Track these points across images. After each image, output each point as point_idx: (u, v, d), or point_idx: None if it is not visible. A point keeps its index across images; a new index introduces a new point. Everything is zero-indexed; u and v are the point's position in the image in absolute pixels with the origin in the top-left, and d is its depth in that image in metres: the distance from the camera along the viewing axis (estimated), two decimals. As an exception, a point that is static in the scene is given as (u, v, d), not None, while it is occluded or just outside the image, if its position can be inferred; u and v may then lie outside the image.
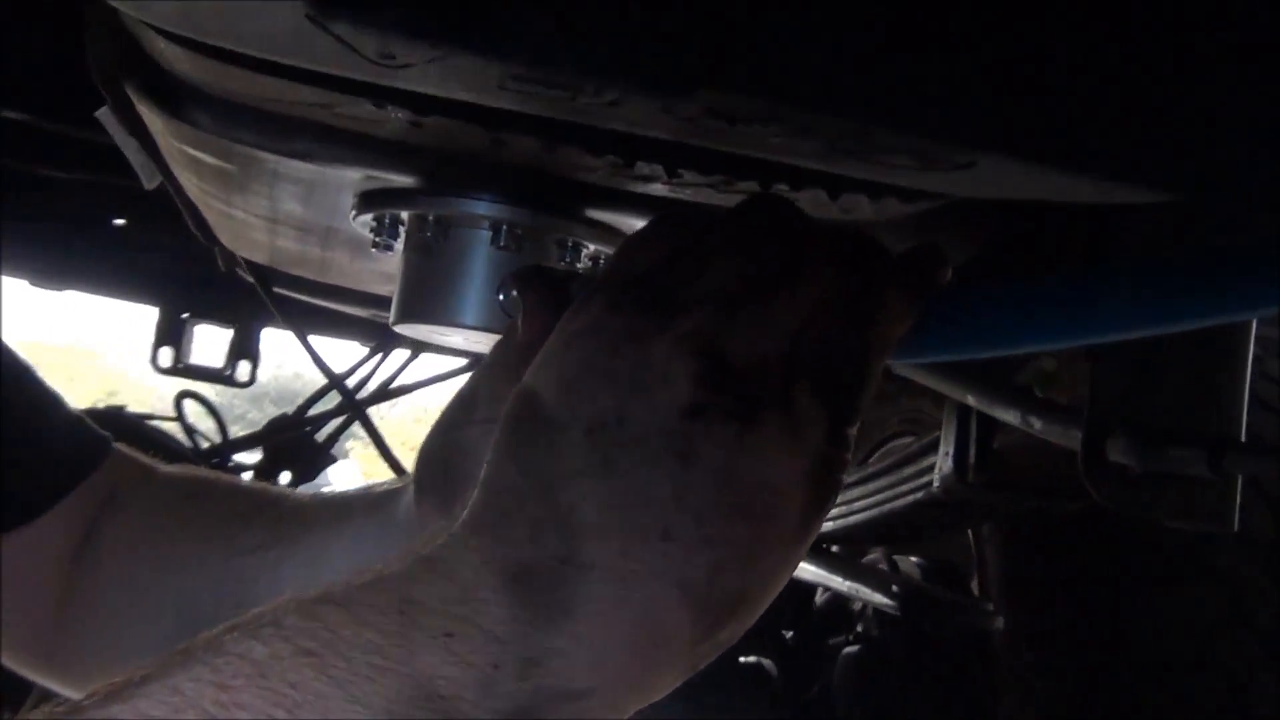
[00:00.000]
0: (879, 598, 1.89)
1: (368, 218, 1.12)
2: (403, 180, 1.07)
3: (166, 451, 2.56)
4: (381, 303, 1.87)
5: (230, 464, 2.61)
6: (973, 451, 1.63)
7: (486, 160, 1.00)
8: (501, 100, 0.81)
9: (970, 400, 1.26)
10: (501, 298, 1.09)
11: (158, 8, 0.74)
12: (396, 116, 0.89)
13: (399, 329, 1.14)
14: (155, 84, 0.98)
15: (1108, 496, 1.04)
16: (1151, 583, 1.99)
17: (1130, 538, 1.98)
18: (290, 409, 2.69)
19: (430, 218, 1.08)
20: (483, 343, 1.16)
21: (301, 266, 1.60)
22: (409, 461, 1.12)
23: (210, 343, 3.05)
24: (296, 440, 2.56)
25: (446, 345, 1.16)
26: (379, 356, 2.62)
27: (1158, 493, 1.05)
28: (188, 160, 1.14)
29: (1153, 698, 1.94)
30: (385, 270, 1.47)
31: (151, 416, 2.75)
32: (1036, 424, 1.14)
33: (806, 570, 2.13)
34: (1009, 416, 1.20)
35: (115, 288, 2.96)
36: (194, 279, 2.82)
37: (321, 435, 2.65)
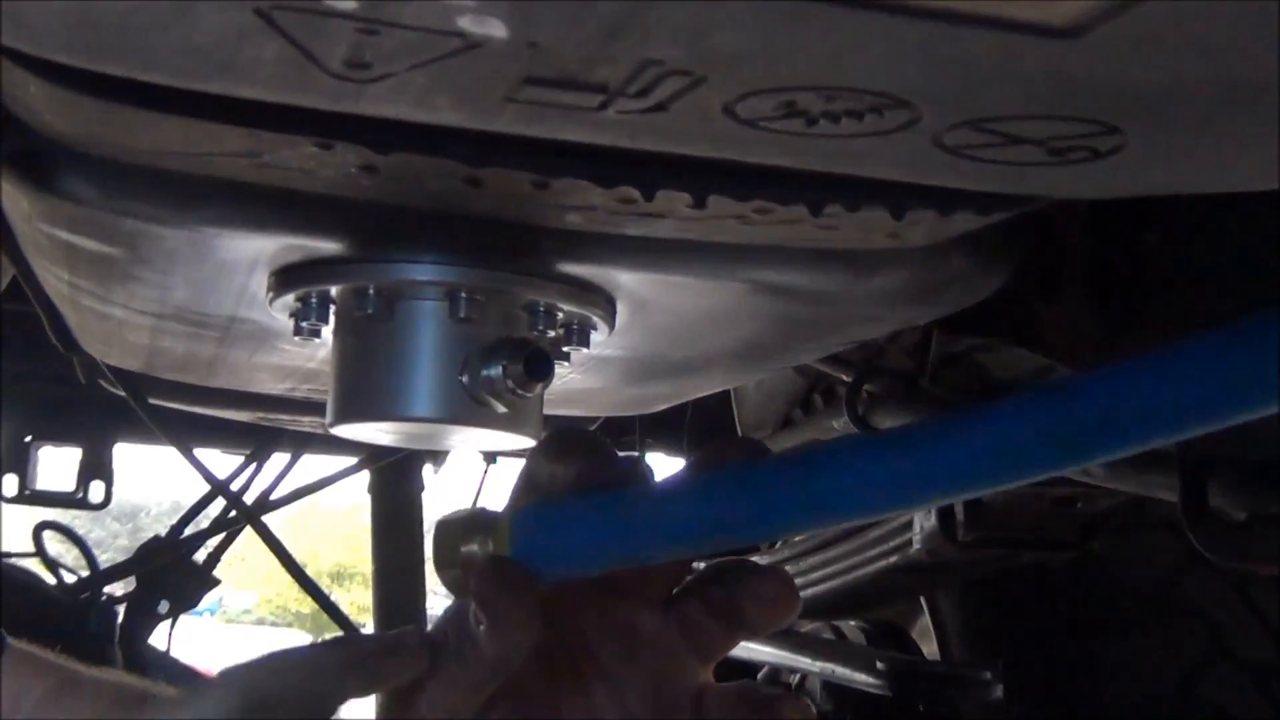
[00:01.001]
0: (861, 676, 1.71)
1: (289, 299, 0.92)
2: (333, 247, 0.87)
3: (33, 593, 2.33)
4: (269, 403, 1.66)
5: (103, 597, 2.34)
6: (960, 507, 1.47)
7: (446, 211, 0.81)
8: (501, 119, 0.62)
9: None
10: (465, 379, 0.90)
11: (36, 14, 0.54)
12: (346, 159, 0.70)
13: (338, 431, 0.94)
14: (23, 150, 0.77)
15: (1213, 549, 0.88)
16: (1128, 625, 1.87)
17: (1097, 581, 1.86)
18: (131, 525, 2.46)
19: (370, 290, 0.88)
20: (444, 438, 0.96)
21: (184, 371, 1.38)
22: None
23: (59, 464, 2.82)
24: (173, 565, 2.31)
25: (400, 445, 0.96)
26: (255, 464, 2.39)
27: (1262, 538, 0.89)
28: (59, 249, 0.93)
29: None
30: (290, 364, 1.26)
31: (8, 555, 2.49)
32: (1099, 472, 0.98)
33: (765, 653, 1.94)
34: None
35: (-54, 417, 2.73)
36: (33, 399, 2.61)
37: (200, 555, 2.40)
